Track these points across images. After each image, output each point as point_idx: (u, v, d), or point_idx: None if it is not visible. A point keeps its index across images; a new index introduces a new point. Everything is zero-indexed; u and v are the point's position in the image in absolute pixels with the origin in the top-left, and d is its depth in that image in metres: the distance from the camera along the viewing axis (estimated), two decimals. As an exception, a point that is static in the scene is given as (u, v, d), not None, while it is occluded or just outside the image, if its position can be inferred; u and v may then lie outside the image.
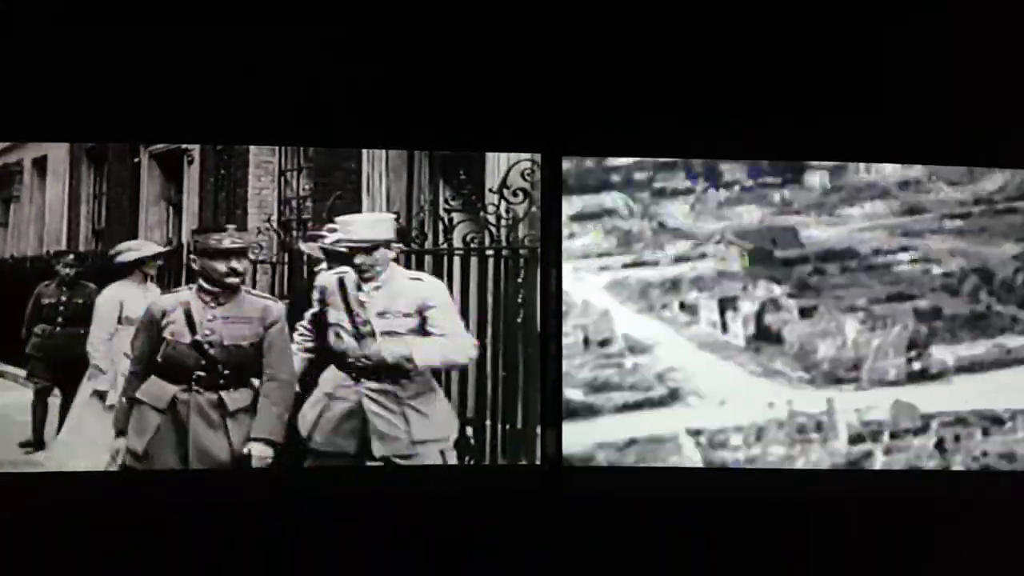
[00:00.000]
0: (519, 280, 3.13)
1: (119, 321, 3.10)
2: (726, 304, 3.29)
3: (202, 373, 3.00)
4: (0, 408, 3.04)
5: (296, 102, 3.16)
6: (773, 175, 3.31)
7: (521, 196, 3.16)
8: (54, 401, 3.09)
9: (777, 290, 3.29)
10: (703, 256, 3.28)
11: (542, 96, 3.21)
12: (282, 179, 3.19)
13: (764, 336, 3.28)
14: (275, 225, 3.15)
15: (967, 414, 3.28)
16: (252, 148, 3.17)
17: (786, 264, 3.30)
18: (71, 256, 3.14)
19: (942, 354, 3.30)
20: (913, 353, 3.31)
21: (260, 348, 3.04)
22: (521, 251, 3.17)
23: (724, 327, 3.28)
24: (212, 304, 3.04)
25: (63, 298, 3.12)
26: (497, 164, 3.17)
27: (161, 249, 3.13)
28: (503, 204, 3.17)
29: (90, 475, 3.00)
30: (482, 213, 3.16)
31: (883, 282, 3.31)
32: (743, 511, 3.14)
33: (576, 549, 3.10)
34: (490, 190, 3.16)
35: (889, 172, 3.33)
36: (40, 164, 3.15)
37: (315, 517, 3.06)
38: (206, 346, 3.01)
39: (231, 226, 3.09)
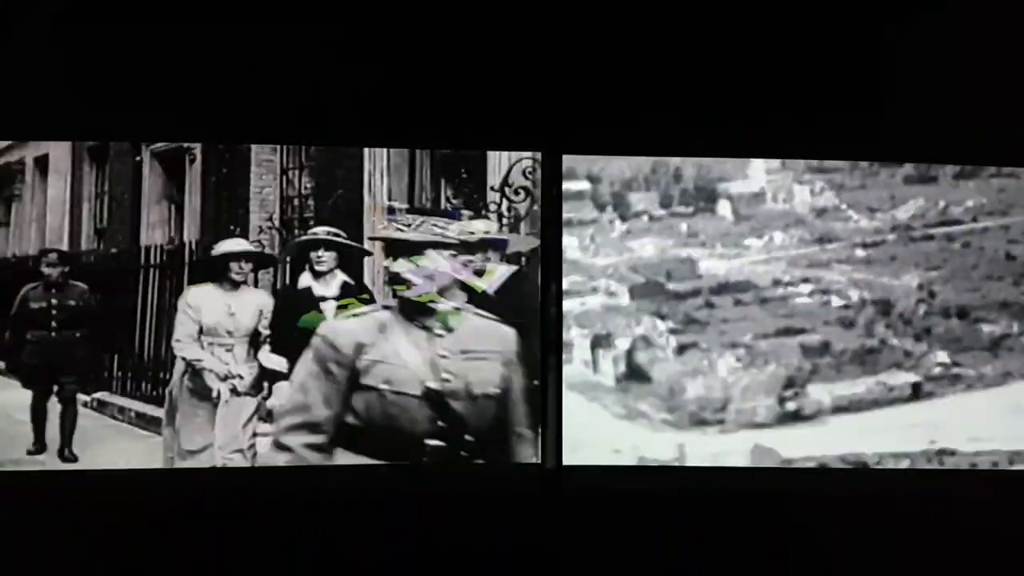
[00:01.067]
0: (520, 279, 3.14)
1: (200, 333, 3.06)
2: (599, 342, 3.22)
3: (439, 442, 2.95)
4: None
5: (297, 101, 3.17)
6: (685, 205, 3.26)
7: (522, 194, 3.16)
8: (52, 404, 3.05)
9: (660, 325, 3.23)
10: (594, 291, 3.23)
11: (543, 94, 3.22)
12: (283, 178, 3.19)
13: (634, 375, 3.21)
14: (277, 224, 3.15)
15: (833, 458, 3.21)
16: (253, 147, 3.17)
17: (677, 298, 3.24)
18: (54, 255, 3.07)
19: (820, 393, 3.24)
20: (789, 392, 3.24)
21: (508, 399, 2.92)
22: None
23: (595, 366, 3.21)
24: (428, 331, 3.02)
25: (53, 301, 3.03)
26: (499, 162, 3.18)
27: (251, 248, 3.11)
28: (505, 202, 3.17)
29: (90, 474, 3.00)
30: (484, 212, 3.17)
31: (775, 315, 3.25)
32: (742, 510, 3.14)
33: (576, 548, 3.10)
34: (491, 188, 3.17)
35: (805, 200, 3.28)
36: (42, 163, 3.15)
37: (316, 517, 3.05)
38: (446, 398, 2.91)
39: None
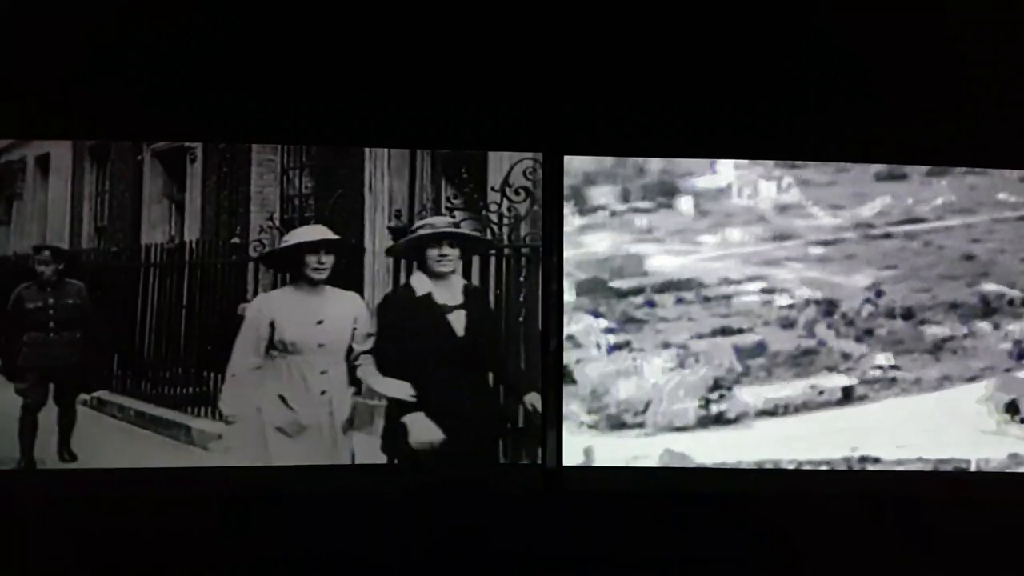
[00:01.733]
0: (521, 279, 3.14)
1: (270, 347, 2.70)
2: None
3: None
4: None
5: (298, 100, 3.17)
6: (646, 199, 3.22)
7: (523, 195, 3.15)
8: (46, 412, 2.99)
9: (596, 324, 3.19)
10: None
11: (544, 95, 3.22)
12: (284, 177, 3.18)
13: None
14: (277, 223, 3.15)
15: (750, 463, 3.18)
16: (255, 146, 3.16)
17: (619, 295, 3.21)
18: (47, 252, 2.94)
19: (747, 396, 3.19)
20: (715, 395, 3.20)
21: None
22: (523, 250, 3.18)
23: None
24: None
25: (50, 300, 2.87)
26: (500, 162, 3.17)
27: (333, 236, 2.77)
28: (505, 203, 3.17)
29: (90, 473, 3.01)
30: (484, 212, 3.16)
31: (715, 315, 3.21)
32: (741, 510, 3.14)
33: (576, 548, 3.10)
34: (492, 188, 3.17)
35: (770, 196, 3.24)
36: (43, 162, 3.15)
37: (316, 517, 3.05)
38: None
39: None
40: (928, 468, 3.17)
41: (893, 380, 3.22)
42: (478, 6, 3.20)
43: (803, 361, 3.22)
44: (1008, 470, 3.20)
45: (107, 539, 2.98)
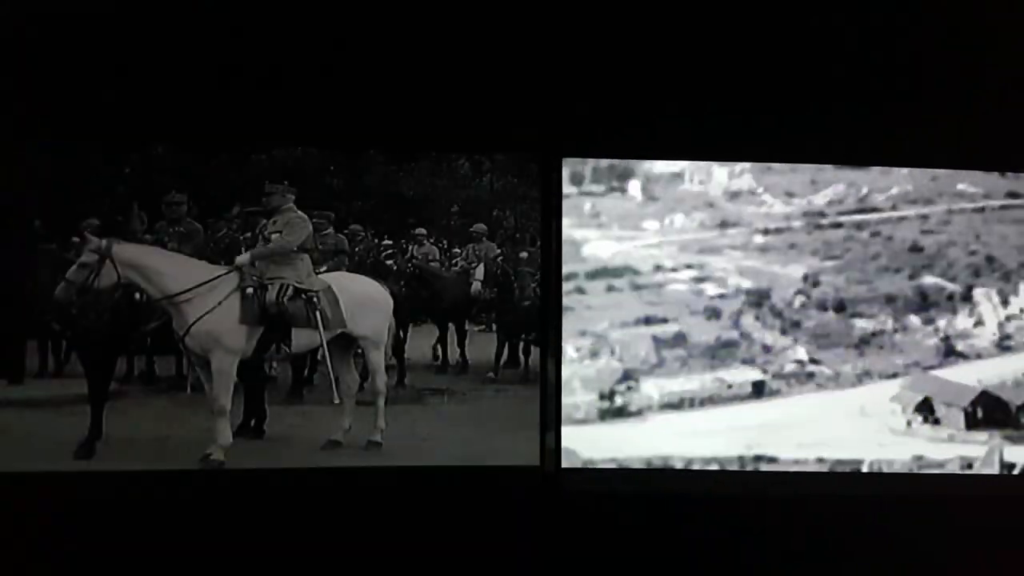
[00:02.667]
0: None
1: None
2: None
3: None
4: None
5: (296, 103, 3.16)
6: (597, 183, 3.18)
7: None
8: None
9: None
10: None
11: (542, 98, 3.21)
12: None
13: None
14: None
15: (637, 460, 3.13)
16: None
17: None
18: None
19: (652, 389, 3.15)
20: (621, 387, 3.15)
21: None
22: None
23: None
24: None
25: None
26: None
27: None
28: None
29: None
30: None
31: (642, 302, 3.16)
32: (740, 510, 3.15)
33: (574, 549, 3.11)
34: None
35: (721, 182, 3.20)
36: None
37: (317, 517, 3.07)
38: None
39: None
40: (825, 469, 3.13)
41: (810, 375, 3.16)
42: (476, 11, 3.18)
43: (721, 353, 3.16)
44: (911, 471, 3.15)
45: (117, 538, 3.00)
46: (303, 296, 3.25)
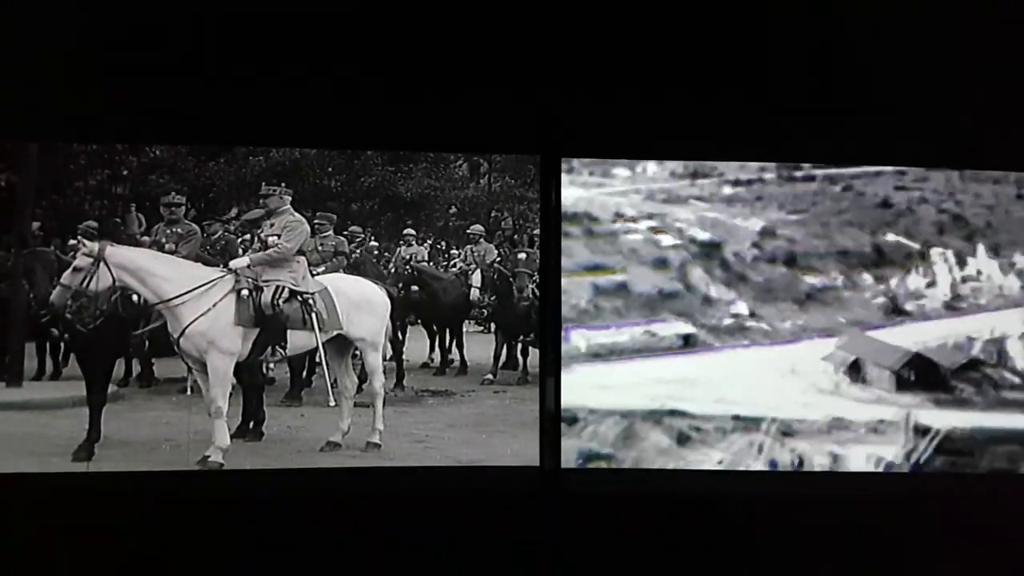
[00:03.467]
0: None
1: None
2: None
3: None
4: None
5: (295, 102, 3.15)
6: None
7: None
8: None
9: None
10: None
11: (541, 97, 3.20)
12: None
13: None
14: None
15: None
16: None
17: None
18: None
19: (579, 340, 3.12)
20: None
21: None
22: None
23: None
24: None
25: None
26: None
27: None
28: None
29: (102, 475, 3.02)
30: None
31: (592, 250, 3.11)
32: (741, 510, 3.15)
33: (574, 547, 3.11)
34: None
35: None
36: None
37: (318, 517, 3.06)
38: None
39: None
40: (739, 426, 3.08)
41: (745, 330, 3.12)
42: (473, 13, 3.18)
43: (660, 305, 3.12)
44: (823, 431, 3.11)
45: (118, 539, 2.99)
46: (299, 298, 3.24)
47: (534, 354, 3.32)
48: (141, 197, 3.27)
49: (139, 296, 3.12)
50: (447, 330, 3.60)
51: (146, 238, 3.24)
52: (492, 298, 3.52)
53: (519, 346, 3.51)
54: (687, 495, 3.15)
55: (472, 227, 3.57)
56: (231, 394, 3.15)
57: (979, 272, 3.19)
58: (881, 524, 3.15)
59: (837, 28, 3.26)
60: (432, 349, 3.58)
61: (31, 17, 3.10)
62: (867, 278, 3.15)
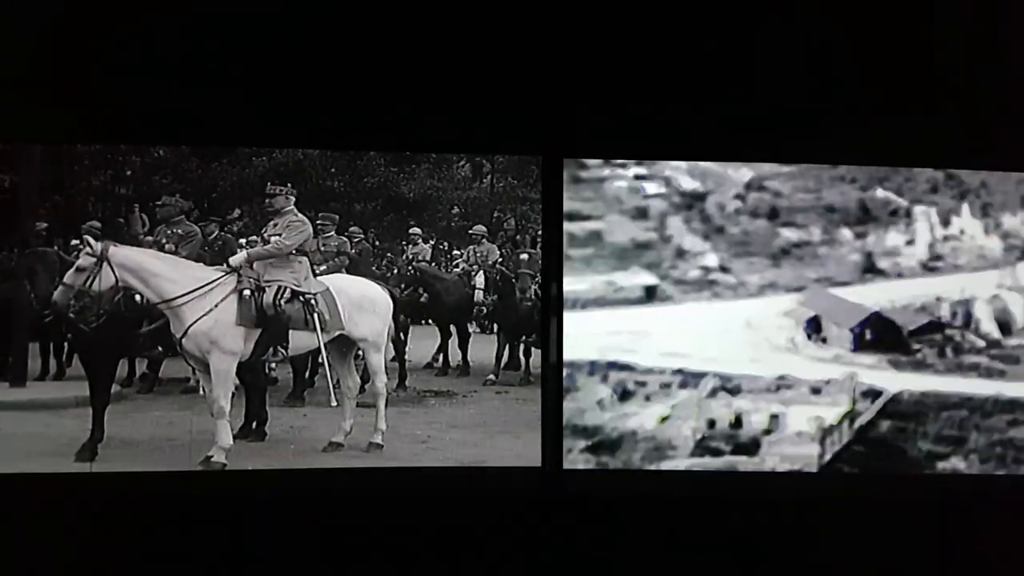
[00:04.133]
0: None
1: None
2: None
3: None
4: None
5: (292, 103, 3.16)
6: None
7: None
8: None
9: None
10: None
11: (543, 99, 3.20)
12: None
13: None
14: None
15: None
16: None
17: None
18: None
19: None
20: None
21: None
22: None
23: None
24: None
25: None
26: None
27: None
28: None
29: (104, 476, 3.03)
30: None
31: (574, 197, 3.08)
32: (743, 512, 3.14)
33: (576, 548, 3.11)
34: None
35: None
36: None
37: (320, 517, 3.07)
38: None
39: None
40: (682, 380, 3.05)
41: (711, 283, 3.08)
42: (475, 14, 3.18)
43: (629, 255, 3.08)
44: (770, 390, 3.06)
45: (119, 540, 3.00)
46: (301, 298, 3.25)
47: (536, 354, 3.33)
48: (144, 198, 3.28)
49: (142, 296, 3.12)
50: (449, 331, 3.60)
51: (149, 238, 3.25)
52: (494, 298, 3.52)
53: (521, 347, 3.52)
54: (689, 496, 3.15)
55: (474, 228, 3.58)
56: (233, 394, 3.16)
57: (962, 232, 3.16)
58: (892, 527, 3.15)
59: (837, 29, 3.25)
60: (441, 350, 3.60)
61: (34, 17, 3.11)
62: (847, 234, 3.12)
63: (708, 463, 3.10)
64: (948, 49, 3.22)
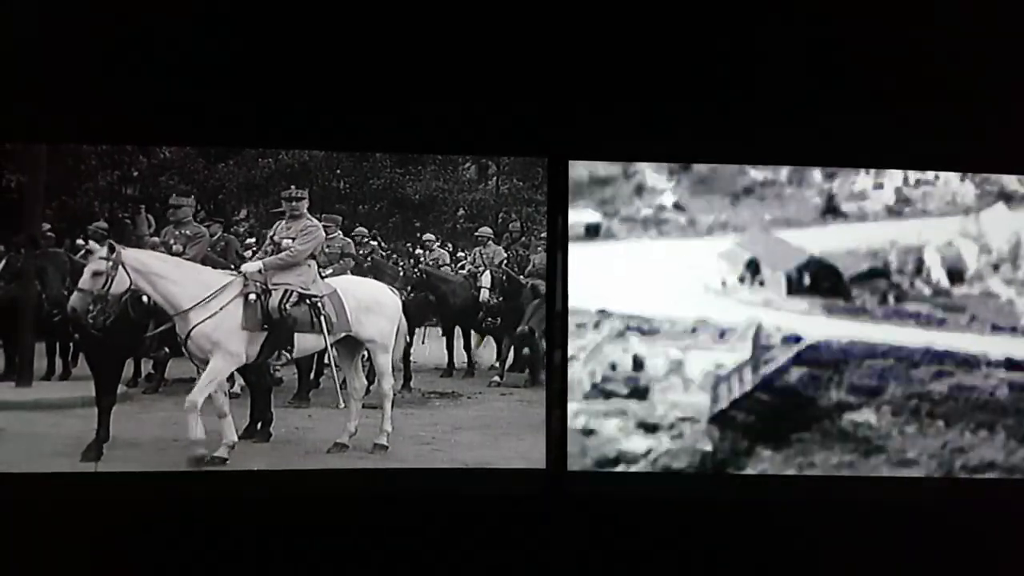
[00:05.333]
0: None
1: None
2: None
3: None
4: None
5: (298, 104, 3.16)
6: None
7: None
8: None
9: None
10: None
11: (549, 100, 3.20)
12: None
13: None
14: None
15: None
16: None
17: None
18: None
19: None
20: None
21: None
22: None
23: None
24: None
25: None
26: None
27: None
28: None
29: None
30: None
31: None
32: (745, 513, 3.14)
33: (580, 550, 3.11)
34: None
35: None
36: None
37: (325, 518, 3.07)
38: None
39: None
40: (597, 320, 3.02)
41: (662, 222, 3.03)
42: (481, 15, 3.18)
43: (584, 190, 3.07)
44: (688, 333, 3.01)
45: (121, 541, 3.01)
46: (308, 301, 3.25)
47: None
48: (151, 198, 3.29)
49: (149, 298, 3.13)
50: (455, 333, 3.61)
51: (155, 239, 3.26)
52: (500, 298, 3.53)
53: (526, 349, 3.52)
54: (694, 499, 3.15)
55: (480, 230, 3.58)
56: (237, 395, 3.19)
57: (936, 176, 3.11)
58: (890, 529, 3.14)
59: (837, 29, 3.24)
60: (454, 351, 3.63)
61: (39, 17, 3.12)
62: (816, 175, 3.07)
63: (599, 406, 3.07)
64: (948, 49, 3.21)
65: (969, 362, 3.11)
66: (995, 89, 3.21)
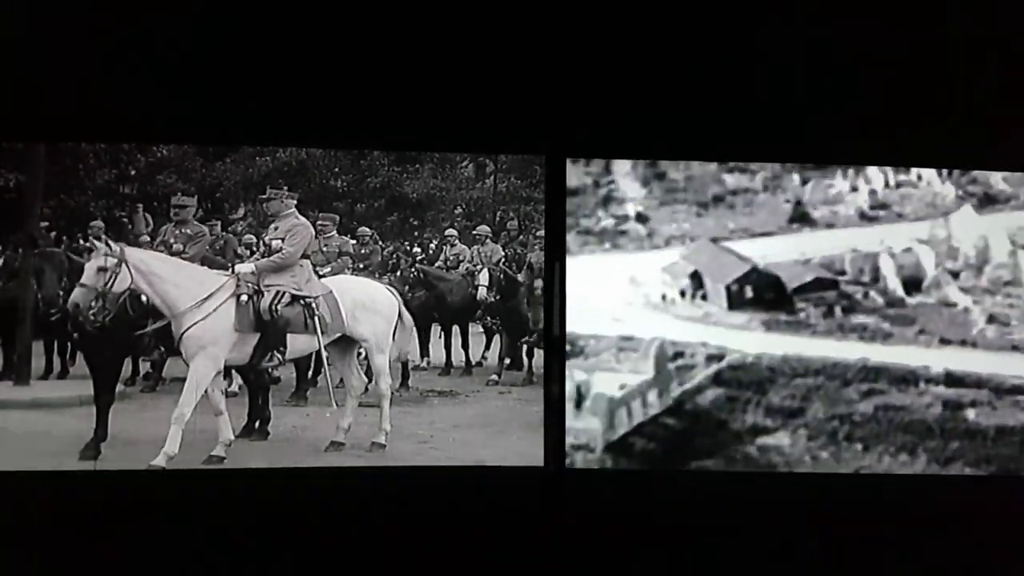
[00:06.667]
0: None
1: None
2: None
3: None
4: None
5: (298, 102, 3.16)
6: None
7: None
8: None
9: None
10: None
11: (547, 98, 3.20)
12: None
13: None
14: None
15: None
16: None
17: None
18: None
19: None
20: None
21: None
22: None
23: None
24: None
25: None
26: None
27: None
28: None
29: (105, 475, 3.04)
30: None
31: None
32: (745, 513, 3.14)
33: (578, 548, 3.10)
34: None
35: None
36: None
37: (323, 517, 3.07)
38: None
39: None
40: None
41: (620, 233, 2.99)
42: (479, 12, 3.18)
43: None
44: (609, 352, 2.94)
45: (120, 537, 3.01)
46: (301, 302, 3.25)
47: (539, 355, 3.33)
48: (148, 197, 3.29)
49: (147, 297, 3.13)
50: (452, 331, 3.61)
51: (154, 237, 3.26)
52: (498, 296, 3.53)
53: (524, 347, 3.52)
54: (692, 497, 3.15)
55: (478, 228, 3.58)
56: (236, 394, 3.20)
57: (920, 177, 3.04)
58: (894, 530, 3.14)
59: (836, 29, 3.24)
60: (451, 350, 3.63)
61: (37, 16, 3.12)
62: (794, 179, 2.99)
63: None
64: (948, 49, 3.21)
65: (906, 379, 2.99)
66: (984, 84, 3.21)
